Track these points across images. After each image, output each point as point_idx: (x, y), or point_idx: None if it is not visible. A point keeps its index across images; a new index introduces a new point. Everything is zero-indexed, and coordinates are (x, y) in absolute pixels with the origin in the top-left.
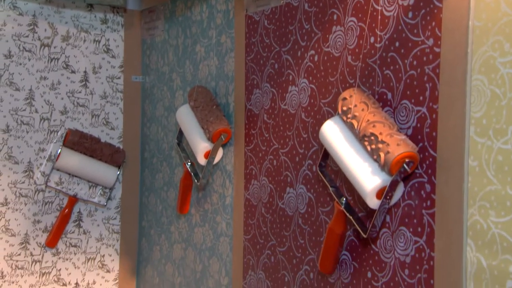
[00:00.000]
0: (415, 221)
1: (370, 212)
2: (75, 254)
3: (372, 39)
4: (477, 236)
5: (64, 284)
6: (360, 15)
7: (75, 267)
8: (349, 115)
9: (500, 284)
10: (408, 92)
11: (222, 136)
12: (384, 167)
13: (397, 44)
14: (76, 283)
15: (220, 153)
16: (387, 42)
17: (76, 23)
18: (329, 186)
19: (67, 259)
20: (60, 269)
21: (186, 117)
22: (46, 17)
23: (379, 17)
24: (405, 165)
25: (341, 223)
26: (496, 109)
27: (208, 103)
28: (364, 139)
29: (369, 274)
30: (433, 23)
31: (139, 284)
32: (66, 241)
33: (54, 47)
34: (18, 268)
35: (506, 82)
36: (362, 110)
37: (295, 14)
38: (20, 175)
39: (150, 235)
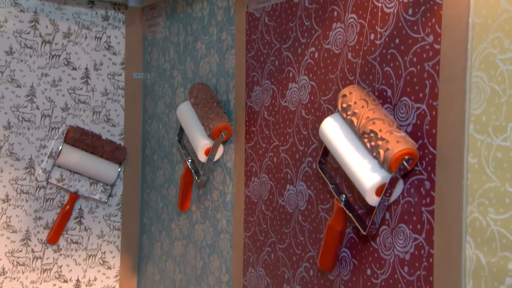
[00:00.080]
0: (414, 218)
1: (370, 209)
2: (76, 250)
3: (372, 36)
4: (476, 233)
5: (65, 281)
6: (360, 12)
7: (76, 264)
8: (349, 112)
9: (499, 281)
10: (408, 89)
11: (223, 133)
12: (383, 164)
13: (397, 41)
14: (77, 280)
15: (220, 150)
16: (387, 39)
17: (77, 20)
18: (328, 183)
19: (68, 256)
20: (61, 266)
21: (186, 114)
22: (48, 14)
23: (379, 14)
24: (404, 162)
25: (341, 220)
26: (495, 106)
27: (208, 100)
28: (363, 136)
29: (368, 271)
30: (433, 20)
31: (140, 280)
32: (67, 238)
33: (56, 44)
34: (19, 265)
35: (506, 79)
36: (362, 107)
37: (296, 11)
38: (21, 171)
39: (151, 232)
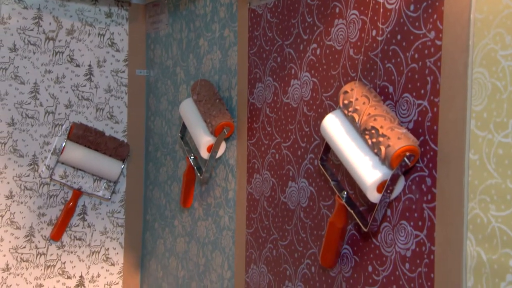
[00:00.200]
0: (415, 215)
1: (371, 206)
2: (79, 247)
3: (374, 32)
4: (477, 230)
5: (69, 277)
6: (362, 8)
7: (80, 260)
8: (350, 109)
9: (500, 278)
10: (409, 86)
11: (225, 130)
12: (384, 160)
13: (398, 37)
14: (81, 276)
15: (222, 147)
16: (388, 35)
17: (80, 17)
18: (330, 180)
19: (71, 252)
20: (64, 262)
21: (189, 111)
22: (51, 11)
23: (381, 10)
24: (405, 159)
25: (342, 217)
26: (496, 102)
27: (211, 97)
28: (365, 133)
29: (370, 268)
30: (435, 16)
31: (143, 277)
32: (71, 234)
33: (59, 41)
34: (23, 261)
35: (507, 75)
36: (363, 103)
37: (298, 8)
38: (25, 168)
39: (154, 228)
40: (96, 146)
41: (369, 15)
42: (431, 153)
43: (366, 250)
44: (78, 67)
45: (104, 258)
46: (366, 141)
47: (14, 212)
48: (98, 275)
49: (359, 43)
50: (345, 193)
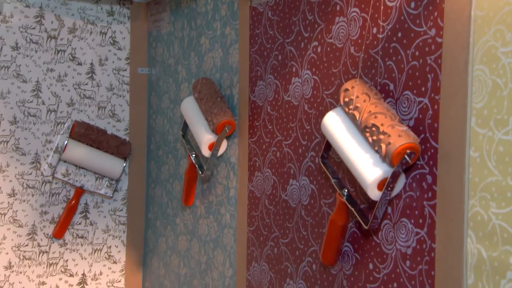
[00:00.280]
0: (416, 212)
1: (372, 203)
2: (82, 245)
3: (374, 30)
4: (477, 227)
5: (71, 275)
6: (362, 6)
7: (82, 258)
8: (351, 106)
9: (500, 275)
10: (410, 83)
11: (226, 128)
12: (385, 158)
13: (399, 34)
14: (83, 274)
15: (224, 145)
16: (389, 33)
17: (82, 15)
18: (331, 178)
19: (74, 250)
20: (67, 260)
21: (190, 109)
22: (53, 9)
23: (382, 7)
24: (406, 156)
25: (343, 214)
26: (497, 99)
27: (212, 95)
28: (365, 130)
29: (370, 266)
30: (435, 13)
31: (145, 275)
32: (73, 232)
33: (61, 39)
34: (26, 259)
35: (508, 72)
36: (364, 101)
37: (299, 5)
38: (27, 166)
39: (156, 226)
40: (98, 144)
41: (369, 13)
42: (432, 150)
43: (367, 247)
44: (80, 65)
45: (106, 256)
46: (366, 138)
47: (17, 210)
48: (101, 273)
49: (359, 41)
50: (346, 190)
